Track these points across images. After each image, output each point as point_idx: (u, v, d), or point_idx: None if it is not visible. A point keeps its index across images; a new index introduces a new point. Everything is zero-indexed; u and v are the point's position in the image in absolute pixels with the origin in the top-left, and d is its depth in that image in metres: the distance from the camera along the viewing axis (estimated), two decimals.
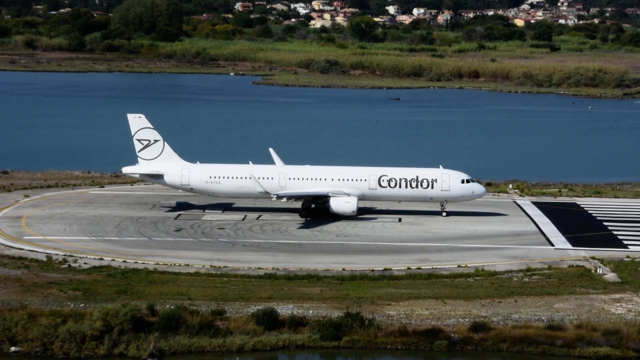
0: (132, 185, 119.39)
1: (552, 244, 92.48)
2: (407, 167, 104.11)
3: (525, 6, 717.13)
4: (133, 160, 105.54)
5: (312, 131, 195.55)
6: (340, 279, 79.60)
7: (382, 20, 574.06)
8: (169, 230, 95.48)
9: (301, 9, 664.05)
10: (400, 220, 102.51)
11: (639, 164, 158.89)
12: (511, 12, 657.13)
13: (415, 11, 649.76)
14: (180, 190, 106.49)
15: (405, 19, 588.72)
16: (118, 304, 69.26)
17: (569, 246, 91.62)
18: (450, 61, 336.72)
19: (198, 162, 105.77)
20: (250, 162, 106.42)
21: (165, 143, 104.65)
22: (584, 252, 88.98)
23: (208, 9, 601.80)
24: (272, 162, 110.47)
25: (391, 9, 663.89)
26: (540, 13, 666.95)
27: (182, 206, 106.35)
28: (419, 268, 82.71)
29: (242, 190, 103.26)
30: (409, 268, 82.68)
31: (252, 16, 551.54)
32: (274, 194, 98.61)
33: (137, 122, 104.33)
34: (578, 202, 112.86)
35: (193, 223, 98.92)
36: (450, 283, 78.96)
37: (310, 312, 71.15)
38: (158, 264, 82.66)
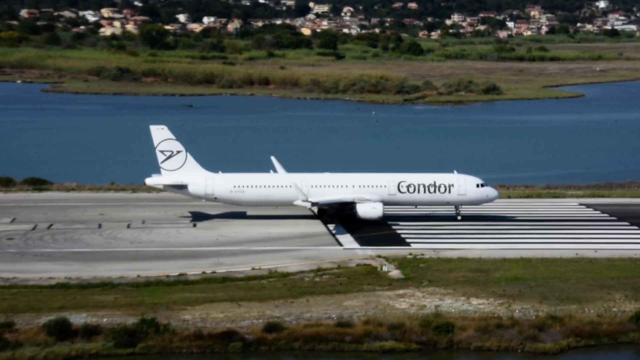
0: None
1: (341, 244, 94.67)
2: (423, 172, 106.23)
3: (311, 16, 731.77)
4: None
5: (111, 139, 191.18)
6: (135, 285, 78.19)
7: (173, 28, 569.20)
8: None
9: (90, 17, 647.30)
10: (195, 225, 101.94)
11: (418, 164, 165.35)
12: (298, 22, 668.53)
13: (205, 19, 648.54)
14: (203, 200, 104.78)
15: (196, 27, 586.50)
16: None
17: (357, 246, 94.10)
18: (241, 68, 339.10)
19: (220, 172, 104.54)
20: (271, 170, 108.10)
21: (188, 154, 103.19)
22: (370, 251, 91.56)
23: None
24: (274, 169, 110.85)
25: (182, 17, 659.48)
26: (325, 22, 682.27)
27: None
28: (214, 272, 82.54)
29: (266, 199, 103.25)
30: (204, 272, 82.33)
31: (38, 23, 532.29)
32: (314, 202, 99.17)
33: (160, 134, 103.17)
34: None
35: None
36: (244, 285, 79.20)
37: (105, 320, 69.44)
38: None
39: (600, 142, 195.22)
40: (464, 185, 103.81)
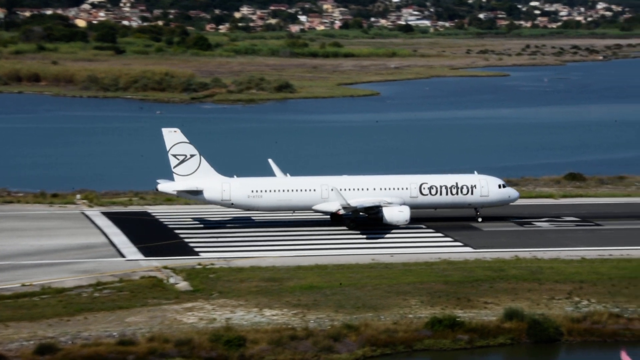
0: None
1: (123, 256, 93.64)
2: (445, 174, 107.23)
3: (86, 6, 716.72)
4: None
5: None
6: None
7: None
8: None
9: None
10: None
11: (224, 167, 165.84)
12: (72, 12, 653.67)
13: None
14: (218, 206, 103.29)
15: None
16: None
17: (141, 257, 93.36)
18: (7, 63, 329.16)
19: (235, 177, 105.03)
20: (288, 174, 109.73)
21: (202, 158, 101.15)
22: (156, 262, 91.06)
23: None
24: (272, 173, 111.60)
25: None
26: (102, 13, 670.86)
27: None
28: None
29: (285, 204, 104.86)
30: None
31: None
32: (352, 206, 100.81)
33: (172, 137, 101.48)
34: (149, 211, 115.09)
35: None
36: (13, 304, 76.99)
37: None
38: None
39: (396, 142, 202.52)
40: (486, 187, 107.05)
